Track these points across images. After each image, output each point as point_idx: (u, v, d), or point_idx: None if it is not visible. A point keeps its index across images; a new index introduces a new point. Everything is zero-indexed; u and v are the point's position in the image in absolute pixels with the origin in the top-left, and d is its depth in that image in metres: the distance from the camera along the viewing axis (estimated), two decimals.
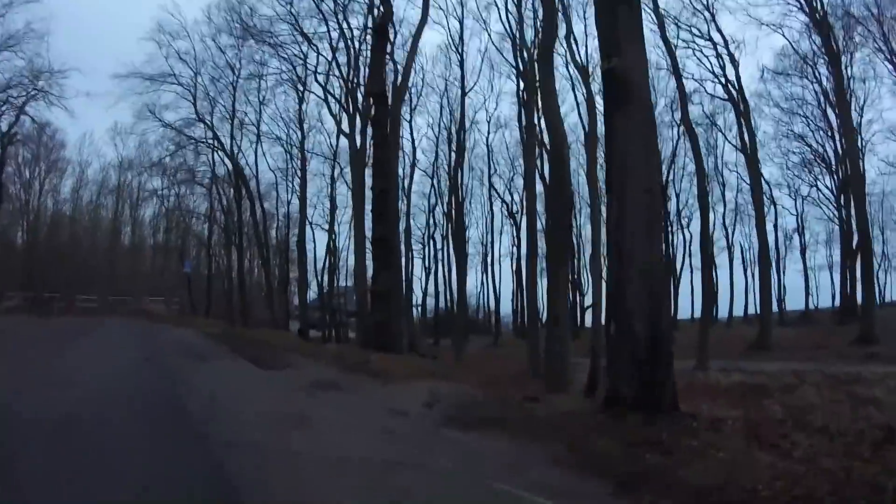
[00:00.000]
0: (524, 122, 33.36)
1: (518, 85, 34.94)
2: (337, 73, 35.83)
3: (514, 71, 35.72)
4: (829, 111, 36.31)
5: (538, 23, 33.79)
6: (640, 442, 6.67)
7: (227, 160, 43.71)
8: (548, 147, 22.44)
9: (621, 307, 8.47)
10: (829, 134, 38.11)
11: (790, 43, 34.15)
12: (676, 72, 28.69)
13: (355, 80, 34.05)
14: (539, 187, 28.64)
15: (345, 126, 35.83)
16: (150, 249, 59.51)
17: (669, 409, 7.96)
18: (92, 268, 50.20)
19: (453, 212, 44.48)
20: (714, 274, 40.10)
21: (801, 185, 42.61)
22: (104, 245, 54.83)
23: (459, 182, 42.96)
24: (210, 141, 43.87)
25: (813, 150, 39.72)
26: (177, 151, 44.28)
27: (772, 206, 41.37)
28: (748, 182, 35.18)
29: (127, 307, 41.06)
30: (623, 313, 8.39)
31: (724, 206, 45.92)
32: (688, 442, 6.72)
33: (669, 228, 46.00)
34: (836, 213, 40.43)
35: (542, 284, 57.72)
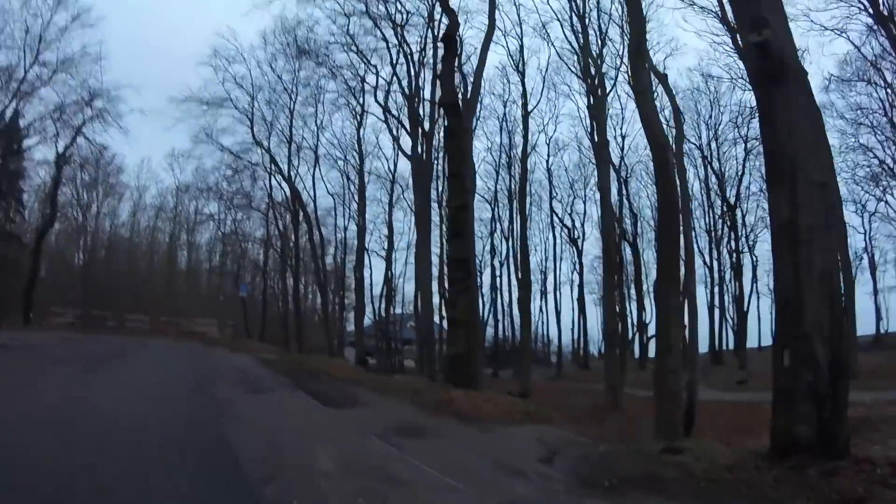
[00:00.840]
0: (596, 139, 31.49)
1: (588, 100, 33.00)
2: (398, 89, 34.23)
3: (584, 85, 33.80)
4: None
5: (604, 34, 32.35)
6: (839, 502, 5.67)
7: (284, 184, 42.59)
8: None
9: (798, 325, 6.94)
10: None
11: (854, 46, 30.97)
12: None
13: (417, 98, 32.35)
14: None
15: (406, 146, 34.46)
16: (205, 273, 59.15)
17: (845, 453, 6.65)
18: (147, 289, 50.22)
19: (516, 237, 42.75)
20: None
21: (869, 200, 39.66)
22: (160, 267, 55.12)
23: (524, 205, 40.63)
24: (267, 165, 42.81)
25: (881, 162, 36.51)
26: (234, 175, 43.44)
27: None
28: None
29: (179, 328, 39.80)
30: (801, 333, 6.89)
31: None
32: (889, 496, 5.70)
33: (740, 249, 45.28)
34: None
35: (596, 312, 56.05)
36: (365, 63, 34.44)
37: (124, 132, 38.02)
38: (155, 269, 55.32)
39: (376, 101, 34.45)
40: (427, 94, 31.80)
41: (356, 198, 45.27)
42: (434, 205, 33.48)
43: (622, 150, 42.85)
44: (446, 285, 21.29)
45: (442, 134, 28.01)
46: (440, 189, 33.71)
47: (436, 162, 31.95)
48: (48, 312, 38.66)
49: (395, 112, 35.21)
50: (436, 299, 30.10)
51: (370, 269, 46.13)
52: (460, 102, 20.32)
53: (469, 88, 24.57)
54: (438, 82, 20.41)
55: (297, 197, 41.30)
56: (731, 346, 47.58)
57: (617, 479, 6.72)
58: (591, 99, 32.84)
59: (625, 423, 19.98)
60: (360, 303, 43.35)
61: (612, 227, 31.19)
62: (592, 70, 31.90)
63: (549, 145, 44.97)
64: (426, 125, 30.80)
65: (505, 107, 43.18)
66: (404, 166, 41.07)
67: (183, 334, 36.63)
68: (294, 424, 9.54)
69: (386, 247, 45.95)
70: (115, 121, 36.76)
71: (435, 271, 33.56)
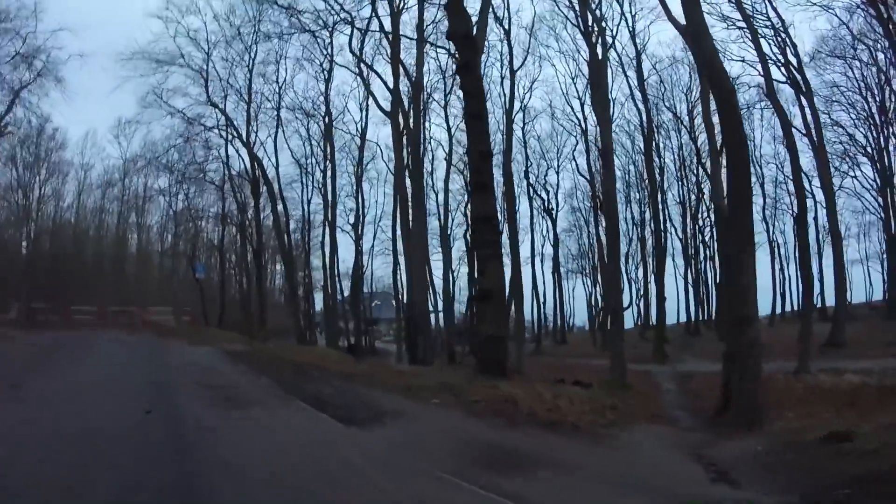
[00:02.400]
0: (597, 95, 28.49)
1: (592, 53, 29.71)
2: (373, 37, 30.23)
3: (582, 36, 30.60)
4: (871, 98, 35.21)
5: None
6: None
7: (242, 150, 38.33)
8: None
9: None
10: (872, 121, 36.29)
11: (841, 21, 30.93)
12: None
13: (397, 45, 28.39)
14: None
15: (384, 103, 30.66)
16: (157, 256, 54.59)
17: None
18: (96, 277, 46.32)
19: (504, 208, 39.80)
20: None
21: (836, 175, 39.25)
22: (109, 252, 50.88)
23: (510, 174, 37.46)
24: (223, 130, 38.40)
25: (851, 139, 37.20)
26: (186, 144, 38.69)
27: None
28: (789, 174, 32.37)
29: (131, 318, 35.35)
30: None
31: (764, 199, 43.24)
32: None
33: None
34: (876, 204, 38.53)
35: (568, 287, 53.81)
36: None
37: (64, 91, 33.44)
38: (104, 254, 50.85)
39: (350, 50, 30.29)
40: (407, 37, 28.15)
41: (321, 166, 41.47)
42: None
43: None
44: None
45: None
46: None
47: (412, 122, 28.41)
48: None
49: (369, 63, 31.28)
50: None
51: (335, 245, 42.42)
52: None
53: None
54: (445, 12, 16.63)
55: (258, 163, 37.17)
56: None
57: (840, 490, 5.14)
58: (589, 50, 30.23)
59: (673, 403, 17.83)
60: (358, 282, 39.82)
61: (613, 188, 28.51)
62: (591, 22, 29.10)
63: (524, 112, 41.58)
64: (412, 74, 27.01)
65: (484, 67, 40.34)
66: (375, 129, 38.12)
67: (135, 325, 32.37)
68: (314, 469, 5.93)
69: (352, 221, 42.36)
70: (54, 74, 32.18)
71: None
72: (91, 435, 6.82)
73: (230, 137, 38.32)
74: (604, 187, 28.91)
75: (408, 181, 27.48)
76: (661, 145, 44.33)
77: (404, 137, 28.36)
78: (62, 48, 33.16)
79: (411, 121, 26.80)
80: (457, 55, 15.61)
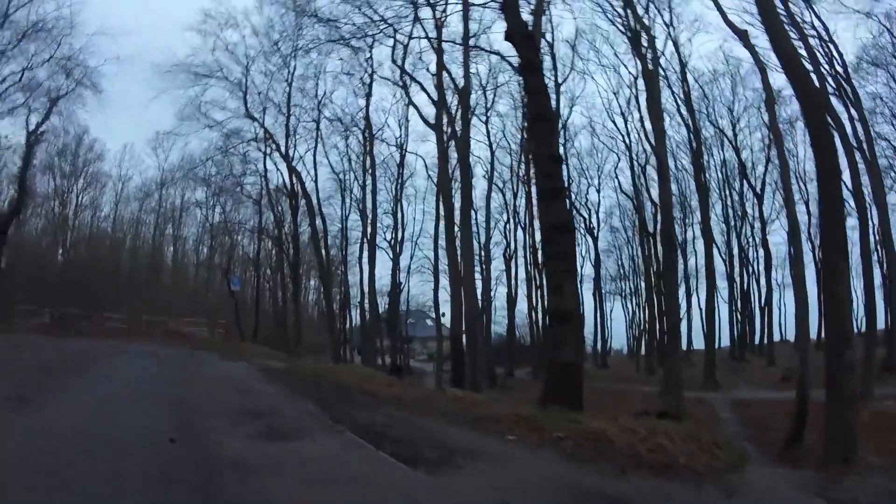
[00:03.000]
0: (651, 106, 27.10)
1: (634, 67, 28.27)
2: (417, 48, 29.07)
3: (630, 44, 29.38)
4: None
5: None
6: None
7: (281, 163, 37.53)
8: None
9: None
10: None
11: (884, 26, 29.97)
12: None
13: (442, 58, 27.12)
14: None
15: (429, 115, 29.41)
16: (192, 268, 54.14)
17: None
18: (130, 286, 45.94)
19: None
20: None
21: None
22: (144, 262, 51.10)
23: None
24: (262, 142, 37.54)
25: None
26: (224, 155, 37.97)
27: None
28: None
29: (164, 328, 34.39)
30: None
31: (809, 218, 41.18)
32: None
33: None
34: None
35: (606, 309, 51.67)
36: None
37: (101, 100, 33.07)
38: (139, 264, 51.00)
39: (393, 60, 29.16)
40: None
41: (360, 181, 40.42)
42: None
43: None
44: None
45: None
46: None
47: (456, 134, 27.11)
48: (14, 312, 33.27)
49: (412, 74, 30.08)
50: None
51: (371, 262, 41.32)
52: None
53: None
54: (503, 14, 15.26)
55: (297, 177, 36.18)
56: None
57: None
58: (639, 65, 29.20)
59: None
60: (395, 300, 38.75)
61: (670, 201, 27.07)
62: (640, 31, 28.02)
63: (565, 129, 40.14)
64: (458, 82, 25.71)
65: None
66: (413, 147, 37.23)
67: (167, 335, 31.34)
68: None
69: (390, 238, 41.15)
70: (91, 81, 31.61)
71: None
72: (100, 469, 5.39)
73: (269, 151, 37.69)
74: (661, 201, 27.51)
75: (456, 196, 26.19)
76: (705, 162, 42.76)
77: (449, 149, 27.11)
78: (97, 53, 32.93)
79: (458, 130, 25.43)
80: (518, 55, 14.14)
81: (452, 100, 27.59)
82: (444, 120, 25.81)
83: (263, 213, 41.18)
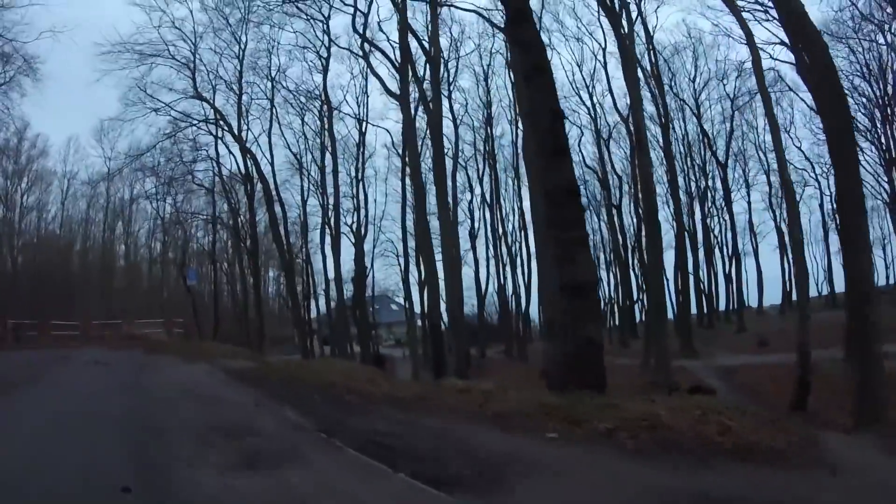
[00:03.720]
0: (628, 73, 25.88)
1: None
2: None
3: (604, 13, 28.38)
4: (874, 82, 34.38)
5: None
6: None
7: (234, 147, 35.31)
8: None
9: None
10: (876, 105, 35.64)
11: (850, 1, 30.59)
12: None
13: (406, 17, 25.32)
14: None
15: (393, 88, 27.64)
16: (146, 265, 51.66)
17: None
18: (83, 290, 44.19)
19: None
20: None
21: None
22: (94, 264, 48.55)
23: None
24: (213, 123, 35.20)
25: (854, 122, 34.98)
26: (173, 142, 35.47)
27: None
28: None
29: (118, 332, 32.03)
30: None
31: (770, 187, 43.90)
32: None
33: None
34: (882, 187, 37.92)
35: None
36: None
37: (40, 87, 30.11)
38: (90, 265, 48.63)
39: (354, 29, 27.27)
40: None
41: (319, 162, 38.44)
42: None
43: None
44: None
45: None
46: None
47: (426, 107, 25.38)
48: None
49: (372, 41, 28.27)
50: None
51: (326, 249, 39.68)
52: None
53: None
54: None
55: (253, 158, 34.06)
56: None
57: None
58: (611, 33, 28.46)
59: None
60: (361, 283, 37.01)
61: (649, 172, 26.20)
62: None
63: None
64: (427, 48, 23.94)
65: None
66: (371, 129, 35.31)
67: (123, 339, 29.12)
68: None
69: (351, 222, 39.33)
70: (28, 63, 28.88)
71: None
72: None
73: (220, 133, 35.34)
74: (641, 172, 26.39)
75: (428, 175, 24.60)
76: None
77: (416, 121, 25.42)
78: (32, 26, 29.90)
79: (429, 100, 23.69)
80: (506, 5, 12.69)
81: (419, 69, 26.02)
82: (412, 89, 24.03)
83: (217, 202, 38.99)
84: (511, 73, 32.70)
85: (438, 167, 20.13)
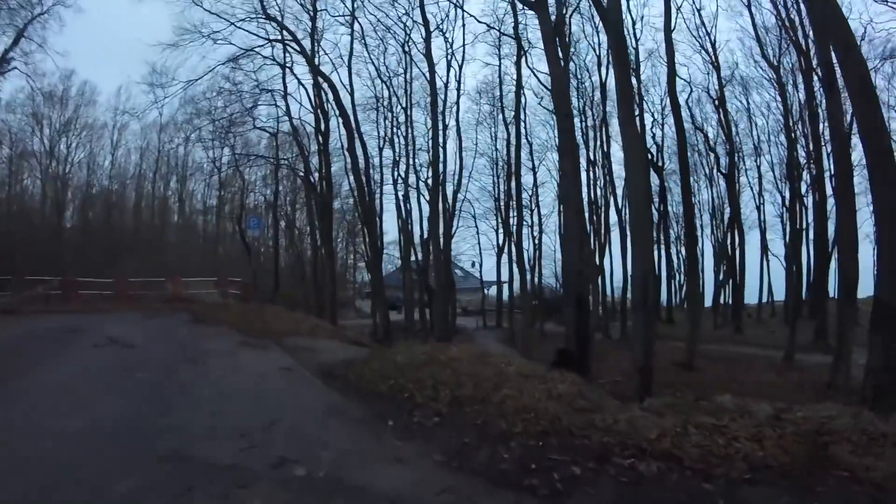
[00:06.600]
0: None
1: None
2: None
3: None
4: None
5: None
6: None
7: (306, 78, 28.93)
8: None
9: None
10: None
11: None
12: None
13: None
14: None
15: None
16: (199, 219, 47.25)
17: None
18: (134, 248, 38.78)
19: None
20: None
21: None
22: (147, 220, 45.36)
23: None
24: (282, 46, 28.69)
25: None
26: (235, 65, 28.79)
27: None
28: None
29: (162, 293, 26.26)
30: None
31: (761, 185, 37.18)
32: None
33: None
34: None
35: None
36: None
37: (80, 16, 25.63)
38: (142, 221, 45.04)
39: None
40: None
41: (403, 101, 32.08)
42: None
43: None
44: None
45: None
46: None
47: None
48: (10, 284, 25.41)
49: None
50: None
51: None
52: None
53: None
54: None
55: (332, 87, 27.64)
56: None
57: None
58: None
59: None
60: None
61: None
62: None
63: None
64: None
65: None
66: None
67: (165, 302, 23.43)
68: None
69: (426, 177, 32.63)
70: None
71: None
72: None
73: (290, 63, 28.81)
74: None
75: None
76: None
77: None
78: None
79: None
80: None
81: None
82: None
83: (281, 147, 32.88)
84: None
85: (620, 66, 13.31)
